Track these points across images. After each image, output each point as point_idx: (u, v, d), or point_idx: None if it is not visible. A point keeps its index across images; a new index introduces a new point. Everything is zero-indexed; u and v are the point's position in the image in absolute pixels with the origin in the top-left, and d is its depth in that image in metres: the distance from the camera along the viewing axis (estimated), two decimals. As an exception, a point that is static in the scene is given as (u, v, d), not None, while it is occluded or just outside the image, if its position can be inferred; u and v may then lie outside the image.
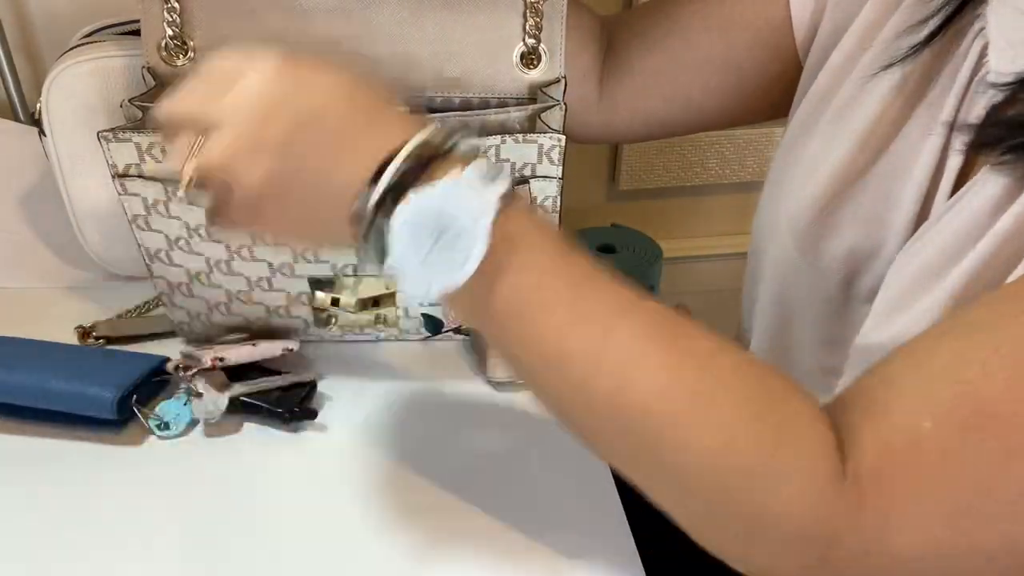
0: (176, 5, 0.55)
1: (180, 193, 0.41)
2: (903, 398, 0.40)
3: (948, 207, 0.47)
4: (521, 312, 0.40)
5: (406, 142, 0.39)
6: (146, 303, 0.68)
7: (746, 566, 0.42)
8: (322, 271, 0.59)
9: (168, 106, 0.42)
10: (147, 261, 0.59)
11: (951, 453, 0.38)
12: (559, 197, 0.57)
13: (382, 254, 0.39)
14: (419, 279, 0.39)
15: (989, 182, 0.44)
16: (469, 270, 0.38)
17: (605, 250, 1.21)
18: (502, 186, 0.39)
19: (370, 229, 0.39)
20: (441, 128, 0.40)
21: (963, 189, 0.46)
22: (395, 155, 0.38)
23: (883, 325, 0.49)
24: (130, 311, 0.68)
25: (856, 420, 0.40)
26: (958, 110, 0.48)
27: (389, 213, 0.38)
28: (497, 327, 0.42)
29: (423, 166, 0.39)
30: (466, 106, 0.58)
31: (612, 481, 0.55)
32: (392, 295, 0.61)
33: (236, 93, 0.40)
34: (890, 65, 0.52)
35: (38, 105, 0.63)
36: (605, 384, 0.40)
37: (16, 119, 0.88)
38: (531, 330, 0.41)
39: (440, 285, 0.39)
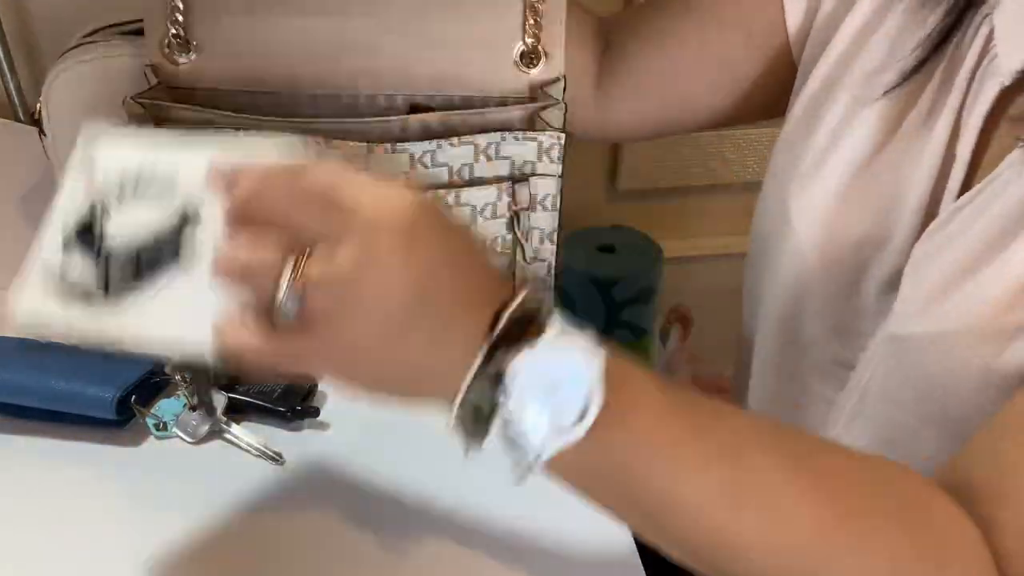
0: (179, 3, 0.55)
1: (280, 298, 0.34)
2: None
3: (974, 194, 0.47)
4: (642, 461, 0.37)
5: (509, 304, 0.36)
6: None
7: None
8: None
9: (269, 192, 0.35)
10: (147, 259, 0.59)
11: None
12: (559, 195, 0.57)
13: (483, 419, 0.36)
14: (533, 440, 0.36)
15: (1022, 174, 0.44)
16: (587, 424, 0.35)
17: (605, 250, 1.21)
18: (590, 335, 0.37)
19: (469, 394, 0.36)
20: (534, 287, 0.38)
21: (989, 177, 0.46)
22: (503, 315, 0.36)
23: (917, 317, 0.49)
24: (130, 311, 0.68)
25: (990, 512, 0.40)
26: (967, 91, 0.48)
27: (495, 378, 0.35)
28: (613, 485, 0.39)
29: (520, 334, 0.36)
30: (466, 104, 0.58)
31: (612, 481, 0.55)
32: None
33: (375, 214, 0.35)
34: (902, 82, 0.52)
35: (38, 105, 0.63)
36: (750, 521, 0.37)
37: (16, 119, 0.88)
38: (654, 479, 0.37)
39: (556, 444, 0.36)
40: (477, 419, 0.37)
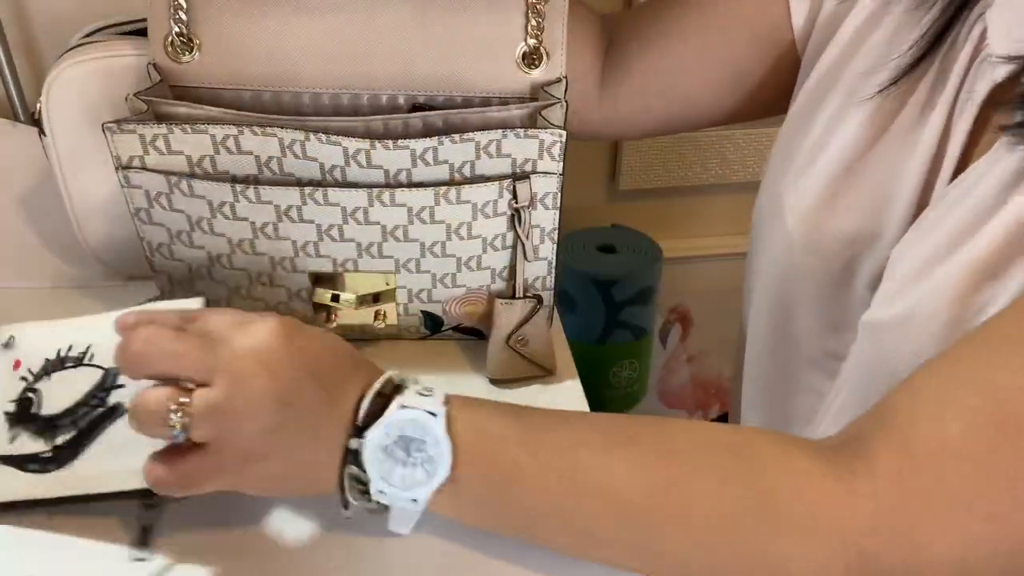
0: (183, 2, 0.55)
1: (174, 433, 0.41)
2: (927, 405, 0.40)
3: (953, 186, 0.48)
4: (497, 486, 0.44)
5: (369, 387, 0.44)
6: (146, 303, 0.68)
7: None
8: (323, 266, 0.59)
9: (158, 344, 0.41)
10: (149, 256, 0.59)
11: (983, 454, 0.38)
12: (559, 194, 0.57)
13: (363, 487, 0.44)
14: (403, 496, 0.44)
15: (997, 163, 0.45)
16: (445, 468, 0.43)
17: (605, 250, 1.21)
18: (440, 394, 0.45)
19: (345, 462, 0.44)
20: (389, 376, 0.46)
21: (969, 169, 0.47)
22: (363, 398, 0.44)
23: (891, 301, 0.49)
24: (130, 311, 0.68)
25: (874, 433, 0.41)
26: (959, 89, 0.49)
27: (360, 445, 0.43)
28: (481, 507, 0.46)
29: (381, 406, 0.44)
30: (468, 105, 0.58)
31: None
32: (392, 292, 0.61)
33: (239, 345, 0.42)
34: (896, 80, 0.52)
35: (38, 105, 0.63)
36: (592, 507, 0.43)
37: (16, 119, 0.88)
38: (511, 497, 0.45)
39: (426, 491, 0.44)
40: (363, 492, 0.45)
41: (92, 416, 0.51)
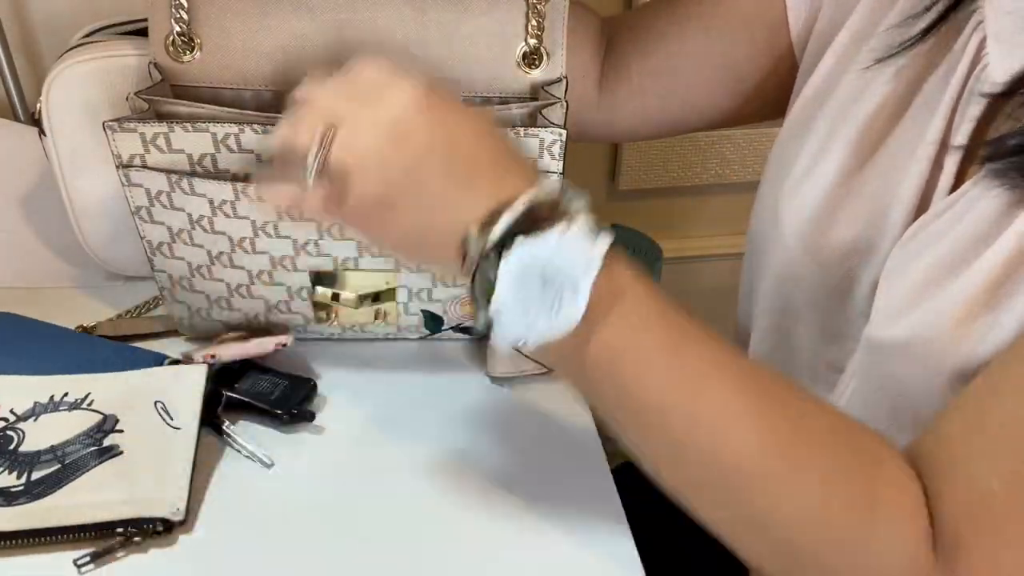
0: (184, 2, 0.55)
1: (306, 175, 0.42)
2: (969, 463, 0.41)
3: (950, 203, 0.47)
4: (617, 366, 0.42)
5: (522, 194, 0.40)
6: (146, 303, 0.68)
7: None
8: (323, 265, 0.59)
9: (315, 91, 0.44)
10: (149, 254, 0.59)
11: (1020, 509, 0.39)
12: (560, 194, 0.57)
13: (487, 294, 0.40)
14: (519, 325, 0.40)
15: (996, 180, 0.45)
16: (571, 322, 0.40)
17: (605, 250, 1.21)
18: (605, 243, 0.41)
19: (477, 270, 0.40)
20: (557, 184, 0.42)
21: (968, 184, 0.47)
22: (510, 204, 0.40)
23: (892, 321, 0.49)
24: (131, 311, 0.68)
25: (932, 485, 0.41)
26: (956, 104, 0.48)
27: (497, 259, 0.40)
28: (591, 379, 0.43)
29: (534, 218, 0.40)
30: (468, 104, 0.58)
31: (612, 481, 0.55)
32: (392, 291, 0.61)
33: (381, 104, 0.42)
34: (886, 57, 0.52)
35: (38, 105, 0.63)
36: (699, 441, 0.41)
37: (16, 119, 0.88)
38: (626, 384, 0.42)
39: (540, 334, 0.40)
40: (483, 290, 0.41)
41: (81, 453, 0.52)
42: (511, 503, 0.53)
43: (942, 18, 0.50)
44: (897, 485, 0.42)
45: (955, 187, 0.49)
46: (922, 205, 0.50)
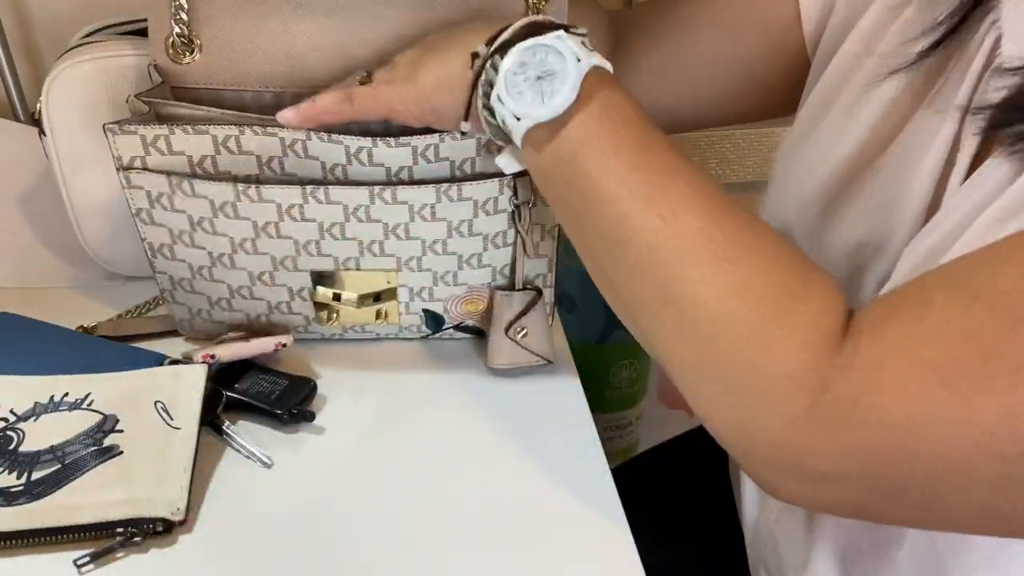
0: (184, 3, 0.55)
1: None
2: (922, 276, 0.42)
3: (956, 193, 0.47)
4: (588, 151, 0.46)
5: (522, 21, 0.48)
6: (147, 303, 0.68)
7: (728, 425, 0.44)
8: (324, 265, 0.59)
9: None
10: (150, 256, 0.59)
11: (956, 318, 0.38)
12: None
13: (489, 87, 0.48)
14: (513, 109, 0.47)
15: (998, 169, 0.44)
16: (560, 107, 0.46)
17: (605, 250, 1.21)
18: (599, 57, 0.47)
19: (484, 65, 0.48)
20: (541, 18, 0.50)
21: (972, 176, 0.46)
22: (511, 26, 0.48)
23: None
24: (131, 311, 0.68)
25: (875, 295, 0.43)
26: (971, 97, 0.48)
27: (501, 58, 0.47)
28: (563, 167, 0.47)
29: (535, 29, 0.47)
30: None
31: (612, 481, 0.55)
32: (393, 291, 0.61)
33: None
34: (898, 71, 0.52)
35: (38, 105, 0.63)
36: (653, 222, 0.44)
37: (16, 119, 0.88)
38: (590, 171, 0.46)
39: (534, 113, 0.46)
40: (486, 87, 0.48)
41: (81, 453, 0.52)
42: (511, 503, 0.53)
43: (956, 27, 0.50)
44: (824, 284, 0.43)
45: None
46: (934, 201, 0.50)
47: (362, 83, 0.54)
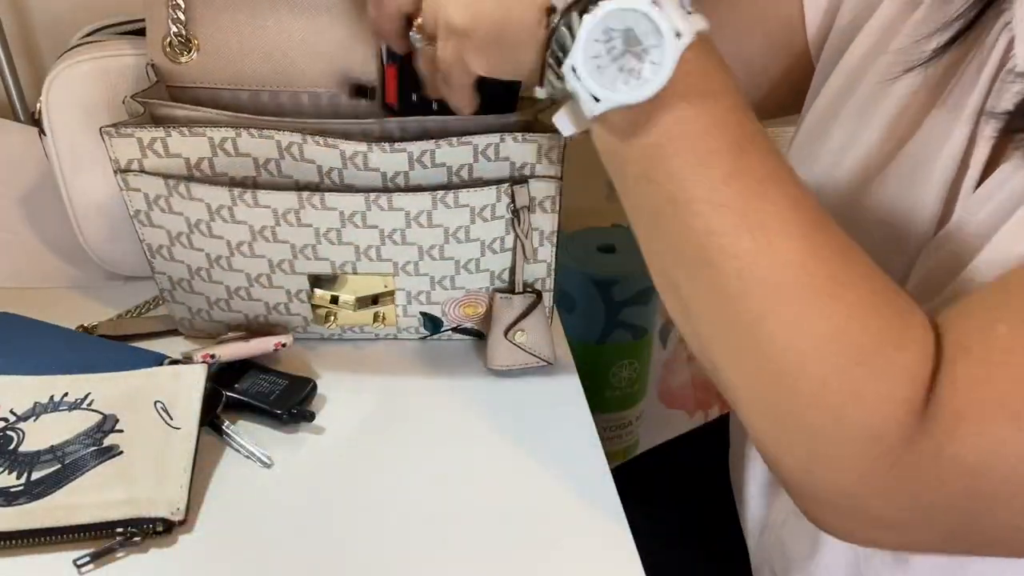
0: (181, 3, 0.55)
1: (416, 37, 0.48)
2: (978, 304, 0.40)
3: (969, 196, 0.47)
4: (678, 148, 0.39)
5: None
6: (147, 303, 0.68)
7: (796, 469, 0.41)
8: (322, 268, 0.59)
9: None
10: (148, 257, 0.59)
11: (1019, 353, 0.37)
12: (558, 197, 0.57)
13: (563, 52, 0.39)
14: (590, 87, 0.39)
15: (1015, 174, 0.44)
16: (648, 92, 0.38)
17: (605, 250, 1.21)
18: (700, 22, 0.38)
19: (559, 22, 0.39)
20: None
21: (987, 181, 0.46)
22: None
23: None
24: (131, 311, 0.68)
25: (942, 324, 0.40)
26: (985, 100, 0.48)
27: (580, 17, 0.38)
28: (644, 162, 0.40)
29: None
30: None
31: (612, 481, 0.55)
32: (390, 294, 0.61)
33: None
34: (913, 67, 0.52)
35: (38, 105, 0.63)
36: (743, 243, 0.39)
37: (16, 119, 0.88)
38: (677, 171, 0.40)
39: (615, 98, 0.38)
40: (560, 58, 0.40)
41: (81, 453, 0.52)
42: (511, 503, 0.53)
43: (968, 26, 0.50)
44: (922, 326, 0.40)
45: (979, 186, 0.48)
46: (948, 204, 0.50)
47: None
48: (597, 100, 0.39)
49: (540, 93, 0.43)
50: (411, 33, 0.48)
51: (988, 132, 0.47)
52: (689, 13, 0.38)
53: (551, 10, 0.40)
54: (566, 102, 0.42)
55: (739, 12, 0.62)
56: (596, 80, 0.38)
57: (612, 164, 0.43)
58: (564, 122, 0.43)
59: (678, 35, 0.37)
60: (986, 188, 0.46)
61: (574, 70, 0.39)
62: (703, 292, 0.41)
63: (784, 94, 0.64)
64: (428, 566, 0.50)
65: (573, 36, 0.38)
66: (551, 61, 0.40)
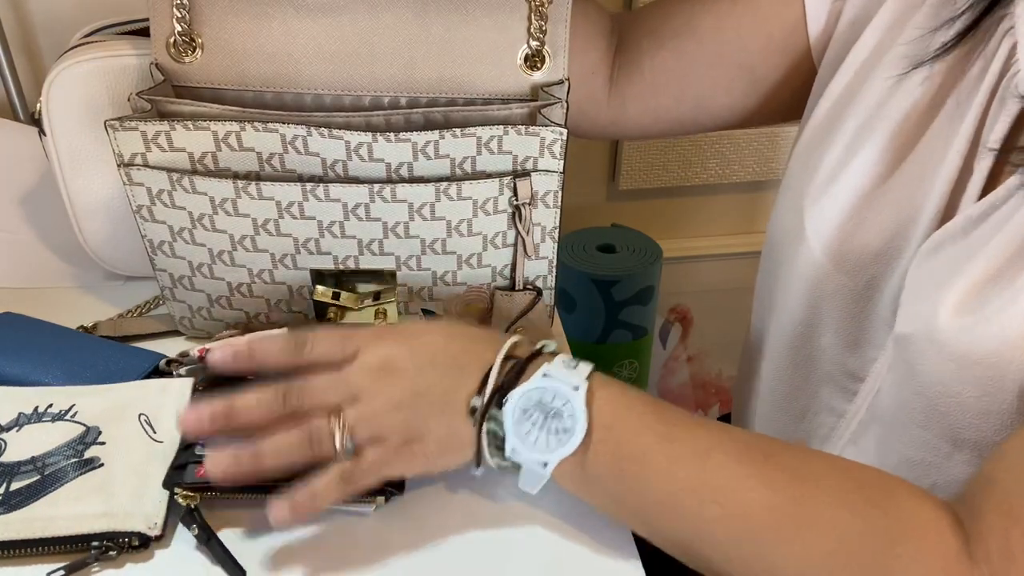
0: (185, 2, 0.55)
1: (340, 448, 0.47)
2: (1013, 480, 0.41)
3: (984, 209, 0.47)
4: (624, 466, 0.45)
5: (498, 353, 0.47)
6: (147, 303, 0.68)
7: None
8: (324, 263, 0.59)
9: (303, 394, 0.48)
10: (150, 253, 0.59)
11: None
12: (560, 192, 0.57)
13: (500, 444, 0.47)
14: (534, 457, 0.46)
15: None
16: (577, 441, 0.45)
17: (605, 250, 1.21)
18: (586, 368, 0.47)
19: (482, 423, 0.47)
20: (522, 337, 0.50)
21: (1003, 188, 0.46)
22: (492, 365, 0.47)
23: (912, 320, 0.49)
24: (131, 311, 0.68)
25: (972, 503, 0.41)
26: (989, 103, 0.48)
27: (499, 408, 0.46)
28: (604, 486, 0.47)
29: (520, 369, 0.47)
30: (469, 105, 0.58)
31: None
32: (393, 289, 0.61)
33: (357, 367, 0.47)
34: (918, 65, 0.52)
35: (38, 105, 0.63)
36: (712, 511, 0.43)
37: (16, 119, 0.88)
38: (635, 482, 0.45)
39: (556, 457, 0.46)
40: (499, 449, 0.47)
41: (62, 464, 0.51)
42: (511, 503, 0.53)
43: (973, 24, 0.50)
44: (911, 512, 0.42)
45: (984, 192, 0.48)
46: (948, 211, 0.50)
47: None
48: (545, 464, 0.46)
49: (476, 472, 0.49)
50: (342, 439, 0.47)
51: (993, 137, 0.47)
52: (575, 367, 0.47)
53: (473, 411, 0.47)
54: (517, 470, 0.48)
55: (740, 16, 0.62)
56: (535, 450, 0.46)
57: (581, 495, 0.48)
58: (531, 484, 0.48)
59: (576, 388, 0.46)
60: (993, 199, 0.46)
61: (515, 451, 0.46)
62: (710, 552, 0.45)
63: (785, 99, 0.64)
64: (426, 565, 0.49)
65: (500, 425, 0.46)
66: (492, 448, 0.48)
